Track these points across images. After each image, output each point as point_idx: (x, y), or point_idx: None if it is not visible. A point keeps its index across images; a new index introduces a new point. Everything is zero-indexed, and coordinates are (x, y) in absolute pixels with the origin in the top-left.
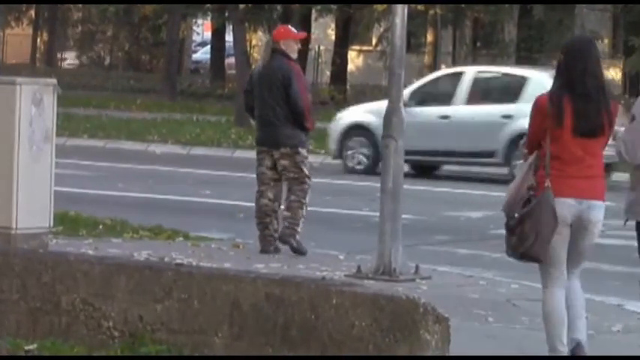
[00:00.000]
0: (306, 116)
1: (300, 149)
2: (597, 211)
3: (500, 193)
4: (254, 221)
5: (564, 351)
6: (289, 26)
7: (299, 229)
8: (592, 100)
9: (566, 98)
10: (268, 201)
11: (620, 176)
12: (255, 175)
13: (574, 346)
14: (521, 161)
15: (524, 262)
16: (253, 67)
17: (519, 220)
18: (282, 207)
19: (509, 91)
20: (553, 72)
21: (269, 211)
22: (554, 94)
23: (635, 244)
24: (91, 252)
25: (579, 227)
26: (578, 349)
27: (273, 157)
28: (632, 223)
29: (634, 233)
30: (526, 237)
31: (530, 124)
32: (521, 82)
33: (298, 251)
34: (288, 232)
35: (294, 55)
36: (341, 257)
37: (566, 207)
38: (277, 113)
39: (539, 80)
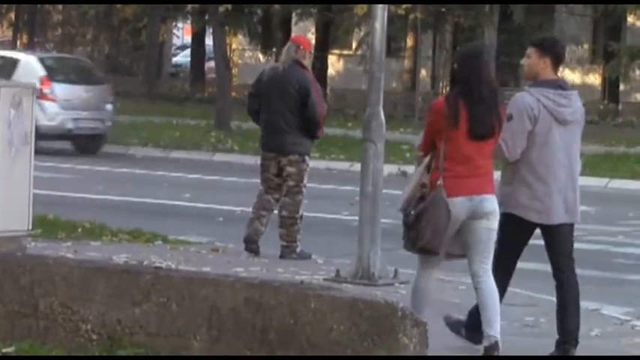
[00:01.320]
0: (321, 125)
1: (307, 157)
2: (488, 202)
3: None
4: (229, 223)
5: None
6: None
7: (297, 244)
8: (486, 105)
9: (461, 103)
10: (272, 198)
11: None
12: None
13: (492, 344)
14: None
15: (422, 255)
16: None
17: (416, 217)
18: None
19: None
20: (42, 54)
21: (268, 207)
22: (450, 99)
23: (611, 248)
24: (69, 255)
25: (476, 219)
26: (496, 346)
27: (279, 163)
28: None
29: (609, 238)
30: (423, 232)
31: (427, 127)
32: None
33: (302, 258)
34: (287, 250)
35: (306, 64)
36: (320, 261)
37: (459, 206)
38: (287, 120)
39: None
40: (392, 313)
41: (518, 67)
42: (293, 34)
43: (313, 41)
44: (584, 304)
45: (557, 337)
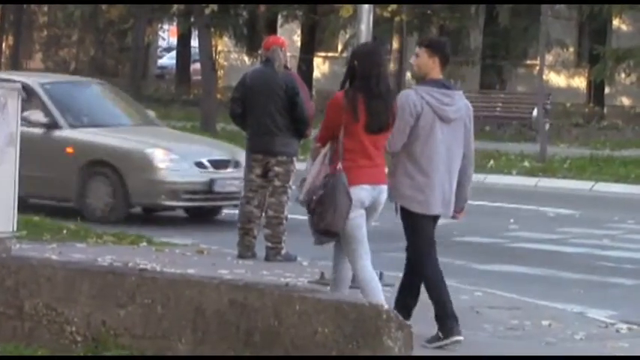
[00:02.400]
0: (310, 124)
1: (294, 158)
2: (384, 194)
3: (469, 201)
4: (214, 225)
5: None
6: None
7: (282, 245)
8: (383, 101)
9: (360, 98)
10: (254, 208)
11: None
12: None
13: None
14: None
15: (327, 240)
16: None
17: (318, 201)
18: (263, 215)
19: None
20: None
21: (253, 218)
22: (350, 94)
23: (596, 251)
24: (54, 257)
25: (371, 209)
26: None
27: (267, 165)
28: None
29: (594, 241)
30: (325, 215)
31: (326, 120)
32: None
33: (288, 260)
34: (272, 252)
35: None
36: (305, 263)
37: (364, 192)
38: (276, 121)
39: None
40: (377, 315)
41: (503, 69)
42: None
43: (299, 43)
44: (570, 307)
45: (532, 338)
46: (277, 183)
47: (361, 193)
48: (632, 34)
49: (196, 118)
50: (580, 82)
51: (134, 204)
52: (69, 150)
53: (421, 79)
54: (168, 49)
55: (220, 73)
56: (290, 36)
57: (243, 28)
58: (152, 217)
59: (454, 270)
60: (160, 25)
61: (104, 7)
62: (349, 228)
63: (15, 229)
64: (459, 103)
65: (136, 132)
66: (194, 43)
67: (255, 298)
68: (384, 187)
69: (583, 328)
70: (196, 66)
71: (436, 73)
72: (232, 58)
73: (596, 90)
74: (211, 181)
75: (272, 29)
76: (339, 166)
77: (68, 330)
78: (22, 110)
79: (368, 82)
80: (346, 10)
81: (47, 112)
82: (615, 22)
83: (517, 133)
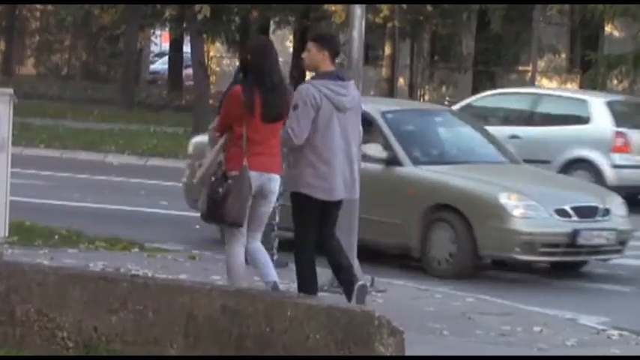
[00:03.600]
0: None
1: (284, 165)
2: (275, 182)
3: None
4: (206, 230)
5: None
6: None
7: (274, 251)
8: (276, 92)
9: (256, 90)
10: None
11: None
12: None
13: (272, 287)
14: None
15: (220, 226)
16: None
17: (225, 193)
18: None
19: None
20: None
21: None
22: (246, 88)
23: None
24: (46, 262)
25: (261, 196)
26: (276, 287)
27: None
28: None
29: None
30: (231, 208)
31: (225, 111)
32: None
33: (279, 266)
34: None
35: None
36: None
37: (254, 180)
38: None
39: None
40: (368, 321)
41: (495, 75)
42: None
43: (291, 49)
44: (561, 314)
45: (524, 344)
46: None
47: (252, 180)
48: (624, 40)
49: (188, 124)
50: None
51: (482, 256)
52: (410, 191)
53: (314, 72)
54: (161, 55)
55: (212, 78)
56: (282, 42)
57: (236, 33)
58: (143, 222)
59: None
60: (152, 31)
61: (96, 12)
62: None
63: (6, 234)
64: (353, 93)
65: (488, 171)
66: (186, 48)
67: (247, 304)
68: (274, 176)
69: (574, 334)
70: (188, 71)
71: (327, 65)
72: (224, 63)
73: None
74: (575, 233)
75: (264, 35)
76: (245, 162)
77: (60, 336)
78: (362, 142)
79: (261, 75)
80: (338, 16)
81: (388, 146)
82: (607, 29)
83: None
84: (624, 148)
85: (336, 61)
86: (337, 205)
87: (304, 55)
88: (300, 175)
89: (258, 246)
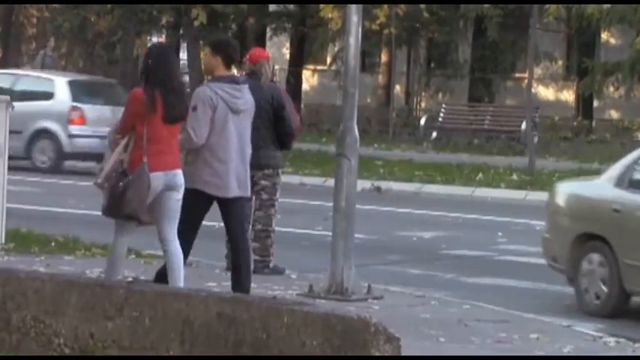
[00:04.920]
0: (295, 138)
1: (280, 171)
2: (179, 177)
3: (454, 214)
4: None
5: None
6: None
7: (270, 258)
8: (177, 94)
9: (158, 92)
10: None
11: None
12: None
13: None
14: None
15: (122, 222)
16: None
17: (124, 188)
18: (251, 228)
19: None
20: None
21: None
22: (148, 89)
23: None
24: (42, 269)
25: (169, 191)
26: None
27: (252, 178)
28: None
29: None
30: (129, 202)
31: (127, 113)
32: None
33: (276, 273)
34: (260, 265)
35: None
36: (293, 276)
37: (158, 180)
38: (262, 135)
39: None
40: (365, 328)
41: (492, 82)
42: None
43: (287, 56)
44: (557, 321)
45: (520, 351)
46: (264, 196)
47: (156, 179)
48: (620, 47)
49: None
50: (568, 96)
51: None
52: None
53: (210, 75)
54: None
55: None
56: (279, 49)
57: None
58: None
59: (443, 283)
60: (148, 38)
61: (93, 18)
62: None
63: (3, 241)
64: (247, 96)
65: None
66: (183, 55)
67: (243, 311)
68: (178, 171)
69: (571, 341)
70: (185, 78)
71: (220, 70)
72: None
73: (584, 103)
74: None
75: (261, 42)
76: (144, 159)
77: (56, 342)
78: None
79: (163, 78)
80: (335, 22)
81: None
82: (604, 36)
83: (506, 147)
84: (79, 121)
85: (333, 68)
86: (238, 202)
87: (202, 56)
88: (197, 172)
89: (177, 247)
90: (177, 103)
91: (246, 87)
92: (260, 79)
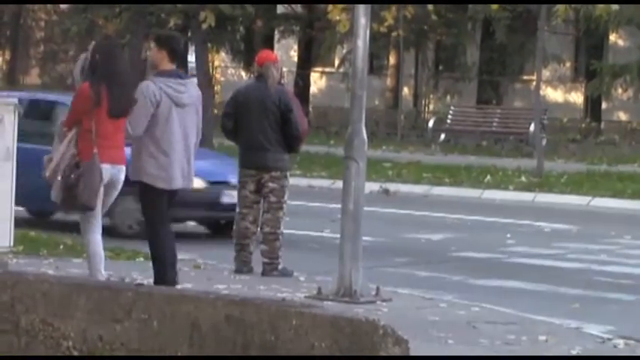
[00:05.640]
0: (302, 141)
1: (287, 173)
2: (122, 173)
3: (463, 216)
4: (210, 240)
5: (103, 278)
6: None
7: (279, 260)
8: (123, 89)
9: (104, 86)
10: (249, 224)
11: None
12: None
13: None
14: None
15: (82, 215)
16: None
17: (77, 178)
18: (259, 231)
19: None
20: None
21: (249, 234)
22: (94, 84)
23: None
24: (51, 272)
25: (110, 186)
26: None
27: (260, 180)
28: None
29: (591, 257)
30: (82, 193)
31: (74, 107)
32: None
33: (284, 275)
34: (269, 267)
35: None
36: (302, 279)
37: (107, 171)
38: (269, 137)
39: None
40: (373, 330)
41: (500, 84)
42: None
43: (295, 59)
44: (566, 323)
45: (529, 353)
46: (272, 199)
47: (106, 171)
48: (628, 49)
49: None
50: (577, 98)
51: None
52: None
53: (156, 70)
54: None
55: (217, 88)
56: (287, 51)
57: (240, 43)
58: None
59: (451, 285)
60: None
61: (101, 22)
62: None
63: (12, 244)
64: (191, 90)
65: None
66: (191, 58)
67: (252, 313)
68: (122, 167)
69: (580, 343)
70: (194, 80)
71: (165, 64)
72: (229, 73)
73: (593, 105)
74: None
75: (269, 44)
76: (95, 150)
77: (65, 345)
78: None
79: (109, 73)
80: (343, 25)
81: None
82: (612, 38)
83: (514, 149)
84: None
85: (341, 70)
86: (173, 194)
87: (148, 54)
88: (142, 165)
89: (99, 239)
90: (122, 98)
91: (190, 81)
92: (267, 81)
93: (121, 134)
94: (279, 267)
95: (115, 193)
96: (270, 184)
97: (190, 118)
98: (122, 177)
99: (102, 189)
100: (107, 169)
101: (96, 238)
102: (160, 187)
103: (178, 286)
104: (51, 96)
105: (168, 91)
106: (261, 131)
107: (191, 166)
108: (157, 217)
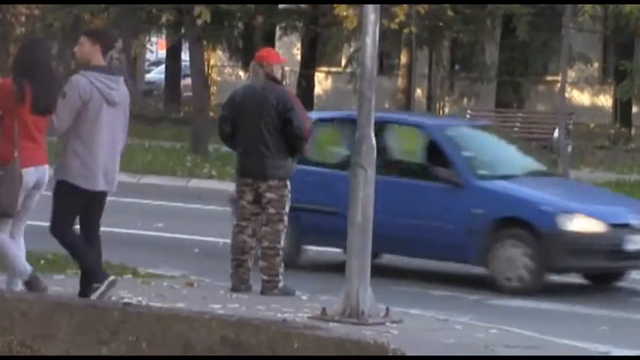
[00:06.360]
0: (307, 139)
1: (287, 182)
2: (47, 174)
3: None
4: (205, 255)
5: (29, 269)
6: (272, 49)
7: (279, 278)
8: (47, 86)
9: (27, 84)
10: (247, 237)
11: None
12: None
13: (31, 279)
14: None
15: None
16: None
17: None
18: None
19: None
20: None
21: (247, 249)
22: (17, 80)
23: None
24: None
25: (35, 188)
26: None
27: (257, 190)
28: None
29: None
30: (4, 196)
31: None
32: None
33: (285, 294)
34: (269, 286)
35: (279, 78)
36: (304, 298)
37: (30, 175)
38: (267, 142)
39: None
40: (382, 354)
41: (521, 86)
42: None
43: (299, 57)
44: (594, 347)
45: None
46: (271, 210)
47: (29, 176)
48: None
49: (186, 138)
50: (605, 101)
51: None
52: None
53: (85, 65)
54: (157, 63)
55: (213, 89)
56: (289, 49)
57: (238, 40)
58: (135, 245)
59: (467, 305)
60: (147, 37)
61: (87, 17)
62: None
63: None
64: (122, 88)
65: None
66: (185, 56)
67: (250, 335)
68: (46, 168)
69: None
70: (187, 81)
71: (98, 59)
72: (226, 72)
73: (622, 109)
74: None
75: (270, 42)
76: (16, 153)
77: None
78: None
79: (33, 70)
80: (350, 21)
81: None
82: None
83: None
84: None
85: (348, 70)
86: (100, 196)
87: (76, 49)
88: (66, 163)
89: (22, 241)
90: (45, 95)
91: (121, 79)
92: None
93: (43, 133)
94: (280, 285)
95: (39, 195)
96: (268, 195)
97: (119, 119)
98: (46, 178)
99: (22, 193)
100: (31, 173)
101: (5, 239)
102: (81, 187)
103: (167, 305)
104: None
105: (99, 86)
106: (259, 136)
107: (116, 168)
108: (68, 218)
